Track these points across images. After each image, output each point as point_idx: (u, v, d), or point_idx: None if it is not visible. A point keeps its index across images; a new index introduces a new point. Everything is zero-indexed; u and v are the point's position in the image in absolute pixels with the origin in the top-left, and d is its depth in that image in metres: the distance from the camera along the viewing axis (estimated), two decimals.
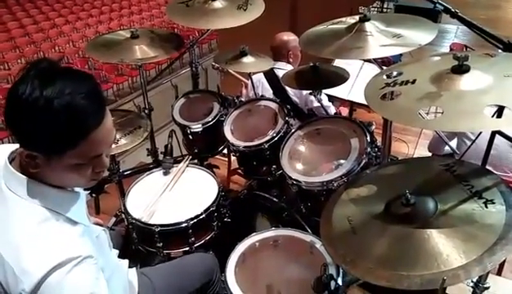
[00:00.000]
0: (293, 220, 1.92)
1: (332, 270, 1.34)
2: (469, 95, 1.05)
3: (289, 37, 2.80)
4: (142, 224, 1.72)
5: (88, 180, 1.01)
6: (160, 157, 2.45)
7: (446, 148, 2.47)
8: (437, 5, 1.44)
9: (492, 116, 1.03)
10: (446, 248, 0.98)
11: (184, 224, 1.71)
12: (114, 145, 1.98)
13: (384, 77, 1.28)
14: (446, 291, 1.14)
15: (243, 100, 2.44)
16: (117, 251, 1.40)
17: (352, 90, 2.72)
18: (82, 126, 0.90)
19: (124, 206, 1.82)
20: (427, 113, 1.18)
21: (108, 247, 1.24)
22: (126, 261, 1.42)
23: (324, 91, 2.39)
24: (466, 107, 1.02)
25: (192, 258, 1.72)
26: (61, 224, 0.97)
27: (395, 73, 1.26)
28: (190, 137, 2.29)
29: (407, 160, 2.29)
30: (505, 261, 2.00)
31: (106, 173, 2.19)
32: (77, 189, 1.10)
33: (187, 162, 2.08)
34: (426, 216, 1.08)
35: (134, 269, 1.46)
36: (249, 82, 2.66)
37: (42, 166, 0.93)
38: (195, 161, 2.34)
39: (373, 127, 1.79)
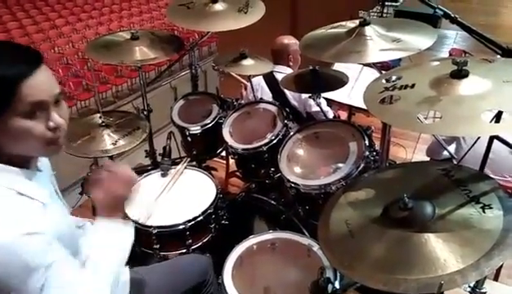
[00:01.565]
0: (290, 223, 1.91)
1: (329, 274, 1.34)
2: (467, 100, 1.06)
3: (289, 40, 2.80)
4: (139, 226, 1.72)
5: (45, 141, 0.98)
6: (158, 158, 2.45)
7: (445, 153, 2.47)
8: (437, 10, 1.44)
9: (491, 121, 1.03)
10: (443, 253, 0.98)
11: (181, 226, 1.71)
12: (112, 146, 1.99)
13: (384, 81, 1.28)
14: None
15: (242, 102, 2.44)
16: None
17: (351, 94, 2.72)
18: (4, 79, 0.90)
19: None
20: (426, 118, 1.18)
21: None
22: None
23: (323, 94, 2.39)
24: (465, 112, 1.02)
25: (186, 258, 1.72)
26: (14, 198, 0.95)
27: (394, 78, 1.26)
28: (189, 139, 2.29)
29: (405, 164, 2.29)
30: (501, 267, 2.00)
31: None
32: (43, 168, 1.09)
33: (185, 164, 2.08)
34: (424, 220, 1.08)
35: (127, 267, 1.46)
36: (249, 84, 2.66)
37: None
38: (194, 163, 2.34)
39: (369, 131, 1.79)
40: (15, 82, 0.90)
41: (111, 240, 1.06)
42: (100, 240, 1.05)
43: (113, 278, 1.03)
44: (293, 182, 1.75)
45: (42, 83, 0.94)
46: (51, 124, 0.97)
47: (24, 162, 1.01)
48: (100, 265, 1.01)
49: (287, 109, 2.11)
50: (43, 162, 1.12)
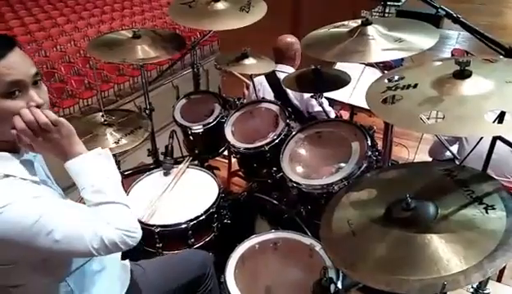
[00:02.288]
0: (293, 222, 1.91)
1: (332, 274, 1.33)
2: (470, 100, 1.05)
3: (292, 39, 2.80)
4: (142, 225, 1.70)
5: None
6: (161, 157, 2.45)
7: (447, 153, 2.47)
8: (440, 10, 1.44)
9: (493, 121, 1.03)
10: (446, 253, 0.98)
11: (184, 225, 1.71)
12: (114, 145, 1.99)
13: (386, 81, 1.28)
14: None
15: (244, 101, 2.44)
16: None
17: (354, 93, 2.72)
18: None
19: None
20: (428, 118, 1.18)
21: None
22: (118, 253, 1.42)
23: (325, 94, 2.39)
24: (467, 112, 1.02)
25: (186, 252, 1.73)
26: None
27: (397, 77, 1.26)
28: (191, 138, 2.29)
29: (408, 164, 2.29)
30: (505, 268, 2.00)
31: None
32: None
33: (188, 163, 2.08)
34: (426, 220, 1.08)
35: (127, 259, 1.47)
36: (251, 84, 2.66)
37: None
38: (196, 162, 2.35)
39: (372, 131, 1.79)
40: None
41: (90, 174, 1.08)
42: (81, 180, 1.08)
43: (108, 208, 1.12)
44: (295, 182, 1.75)
45: (16, 64, 0.99)
46: (32, 104, 1.01)
47: (12, 147, 1.05)
48: (93, 199, 1.07)
49: (289, 109, 2.11)
50: None
